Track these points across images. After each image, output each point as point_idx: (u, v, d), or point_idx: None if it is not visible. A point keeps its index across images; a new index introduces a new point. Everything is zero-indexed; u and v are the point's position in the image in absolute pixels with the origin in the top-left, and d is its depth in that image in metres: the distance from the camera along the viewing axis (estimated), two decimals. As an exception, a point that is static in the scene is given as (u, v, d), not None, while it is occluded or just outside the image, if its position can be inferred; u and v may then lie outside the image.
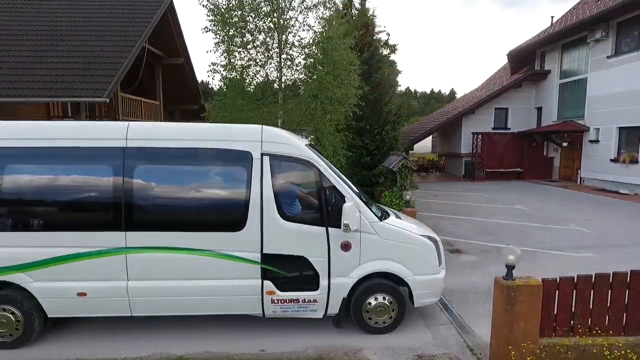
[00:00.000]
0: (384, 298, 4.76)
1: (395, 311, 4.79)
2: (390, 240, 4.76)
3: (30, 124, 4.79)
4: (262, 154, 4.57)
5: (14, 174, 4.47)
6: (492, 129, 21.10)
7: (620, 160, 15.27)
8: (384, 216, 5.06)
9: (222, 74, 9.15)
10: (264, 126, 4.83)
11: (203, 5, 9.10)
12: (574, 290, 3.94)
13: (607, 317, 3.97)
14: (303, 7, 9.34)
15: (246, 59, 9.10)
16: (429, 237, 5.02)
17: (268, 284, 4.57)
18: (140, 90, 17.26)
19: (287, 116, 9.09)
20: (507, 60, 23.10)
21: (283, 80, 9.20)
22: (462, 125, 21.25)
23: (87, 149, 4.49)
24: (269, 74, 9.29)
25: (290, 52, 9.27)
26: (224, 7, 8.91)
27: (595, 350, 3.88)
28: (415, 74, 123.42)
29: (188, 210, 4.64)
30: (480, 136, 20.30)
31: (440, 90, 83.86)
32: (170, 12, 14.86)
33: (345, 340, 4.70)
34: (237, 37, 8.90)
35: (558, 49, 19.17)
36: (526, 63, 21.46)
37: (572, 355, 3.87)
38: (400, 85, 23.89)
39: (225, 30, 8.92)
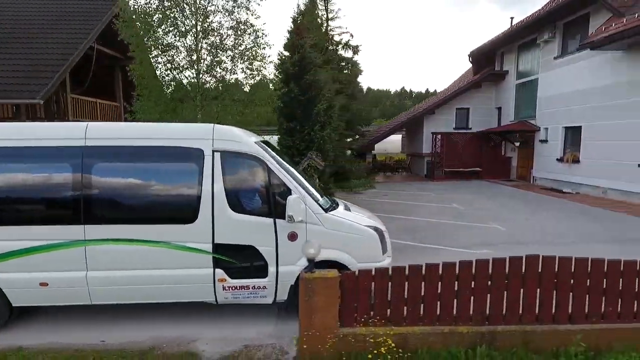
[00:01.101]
0: None
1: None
2: (335, 230, 5.08)
3: None
4: (213, 151, 4.91)
5: None
6: (454, 128, 21.33)
7: (565, 159, 15.50)
8: (332, 208, 5.37)
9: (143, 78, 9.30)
10: (215, 125, 5.17)
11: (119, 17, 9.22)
12: (372, 282, 4.18)
13: (405, 308, 4.21)
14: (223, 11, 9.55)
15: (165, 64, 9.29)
16: (374, 228, 5.34)
17: (220, 272, 4.90)
18: (102, 91, 17.51)
19: (204, 117, 9.31)
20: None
21: (201, 84, 9.42)
22: (423, 125, 21.48)
23: (48, 148, 4.81)
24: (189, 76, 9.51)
25: (209, 57, 9.50)
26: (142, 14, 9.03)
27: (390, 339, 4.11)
28: (412, 74, 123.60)
29: (143, 205, 4.95)
30: (439, 136, 20.53)
31: (435, 90, 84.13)
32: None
33: (185, 331, 4.91)
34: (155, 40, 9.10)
35: (515, 50, 19.41)
36: (488, 64, 21.69)
37: (368, 345, 4.10)
38: (361, 85, 23.88)
39: (146, 33, 9.10)
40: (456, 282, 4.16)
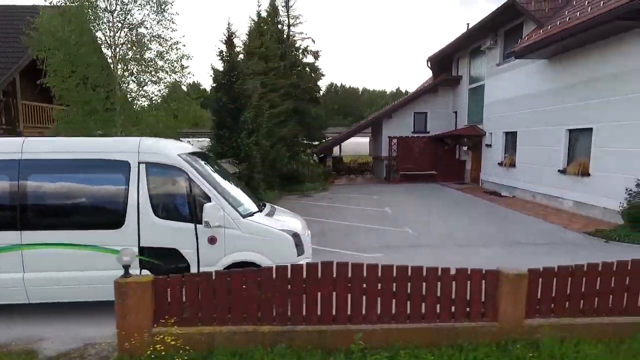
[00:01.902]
0: None
1: None
2: (251, 234, 5.60)
3: None
4: (139, 163, 5.48)
5: None
6: (412, 132, 21.77)
7: (504, 164, 15.95)
8: (252, 213, 5.89)
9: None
10: (142, 138, 5.72)
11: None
12: (183, 286, 4.61)
13: (214, 309, 4.64)
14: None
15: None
16: (291, 232, 5.84)
17: (146, 273, 5.32)
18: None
19: (124, 125, 9.72)
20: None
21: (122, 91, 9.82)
22: (382, 128, 21.91)
23: None
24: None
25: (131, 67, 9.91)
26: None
27: (200, 338, 4.55)
28: (409, 75, 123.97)
29: (75, 212, 5.53)
30: (395, 140, 20.97)
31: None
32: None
33: (34, 331, 5.34)
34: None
35: (467, 55, 19.85)
36: (446, 68, 22.13)
37: (179, 342, 4.53)
38: (321, 91, 24.32)
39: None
40: (259, 286, 4.59)
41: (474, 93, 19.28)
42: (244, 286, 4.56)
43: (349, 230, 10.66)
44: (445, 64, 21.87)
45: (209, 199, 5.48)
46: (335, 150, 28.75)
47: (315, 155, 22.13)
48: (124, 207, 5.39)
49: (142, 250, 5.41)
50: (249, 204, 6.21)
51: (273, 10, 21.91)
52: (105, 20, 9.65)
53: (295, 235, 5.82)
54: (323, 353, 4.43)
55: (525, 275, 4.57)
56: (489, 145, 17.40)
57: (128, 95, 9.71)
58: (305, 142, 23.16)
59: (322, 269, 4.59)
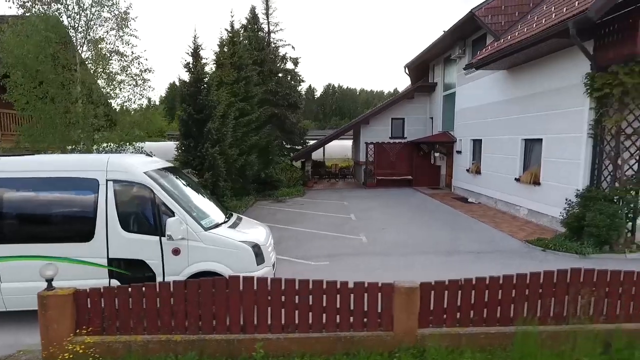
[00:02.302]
0: None
1: None
2: (213, 246, 6.02)
3: None
4: (107, 180, 5.92)
5: None
6: (390, 137, 22.14)
7: (471, 170, 16.35)
8: (216, 225, 6.34)
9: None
10: (110, 157, 6.16)
11: None
12: (102, 298, 5.00)
13: (130, 319, 5.03)
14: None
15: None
16: (250, 243, 6.23)
17: (114, 282, 5.82)
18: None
19: (85, 139, 10.10)
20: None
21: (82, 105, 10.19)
22: (360, 134, 22.30)
23: None
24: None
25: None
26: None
27: (117, 346, 4.94)
28: (406, 76, 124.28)
29: (48, 227, 6.02)
30: (371, 145, 21.36)
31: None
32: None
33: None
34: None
35: (442, 62, 20.24)
36: (423, 75, 22.52)
37: (97, 350, 4.91)
38: (303, 98, 24.69)
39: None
40: (171, 298, 4.98)
41: (447, 100, 19.67)
42: (157, 298, 4.97)
43: (307, 237, 11.03)
44: (421, 70, 22.26)
45: (173, 214, 5.90)
46: (320, 154, 29.11)
47: (295, 160, 22.44)
48: (93, 222, 5.83)
49: (111, 261, 5.88)
50: (215, 216, 6.70)
51: (253, 18, 22.34)
52: (68, 36, 10.03)
53: (255, 246, 6.23)
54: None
55: (417, 289, 4.96)
56: (459, 152, 17.80)
57: (89, 111, 10.02)
58: (288, 146, 23.59)
59: (229, 282, 4.98)
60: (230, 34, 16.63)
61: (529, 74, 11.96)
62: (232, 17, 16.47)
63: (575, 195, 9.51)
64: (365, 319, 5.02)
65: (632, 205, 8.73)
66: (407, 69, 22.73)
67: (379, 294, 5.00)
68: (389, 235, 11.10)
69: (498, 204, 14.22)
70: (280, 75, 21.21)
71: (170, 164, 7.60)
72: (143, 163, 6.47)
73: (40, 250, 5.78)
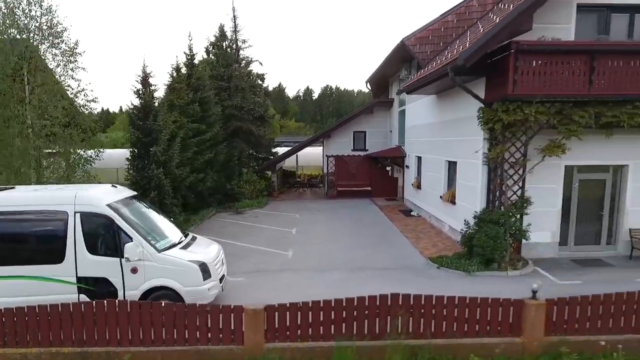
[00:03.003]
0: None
1: None
2: (165, 265, 7.30)
3: None
4: (75, 212, 7.16)
5: None
6: (352, 150, 23.18)
7: (414, 185, 17.39)
8: (171, 247, 7.63)
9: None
10: (77, 192, 7.41)
11: None
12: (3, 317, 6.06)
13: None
14: None
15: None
16: (197, 262, 7.47)
17: (83, 297, 7.05)
18: None
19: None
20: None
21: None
22: (324, 147, 23.35)
23: None
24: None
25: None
26: None
27: (15, 357, 6.00)
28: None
29: (25, 252, 7.30)
30: (332, 158, 22.43)
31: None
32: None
33: None
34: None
35: (397, 79, 21.26)
36: (384, 89, 23.55)
37: (-2, 360, 5.98)
38: (273, 116, 25.80)
39: None
40: (60, 317, 6.04)
41: (401, 116, 20.70)
42: (49, 317, 6.04)
43: (239, 252, 12.07)
44: (383, 86, 23.30)
45: (131, 239, 7.14)
46: (294, 162, 30.13)
47: (260, 172, 23.43)
48: (64, 247, 7.09)
49: (80, 279, 7.13)
50: (171, 237, 8.05)
51: (221, 35, 23.42)
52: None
53: (202, 265, 7.51)
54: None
55: (262, 310, 6.01)
56: (407, 167, 18.85)
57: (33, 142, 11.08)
58: (262, 155, 24.60)
59: (107, 305, 6.04)
60: (188, 57, 17.68)
61: (449, 101, 13.00)
62: (190, 40, 17.45)
63: (473, 216, 10.54)
64: (220, 335, 6.08)
65: (513, 228, 9.75)
66: (368, 83, 23.77)
67: (232, 314, 6.06)
68: (316, 251, 12.14)
69: (432, 219, 15.26)
70: (246, 90, 22.20)
71: (133, 192, 8.90)
72: (107, 194, 7.80)
73: (18, 271, 7.03)
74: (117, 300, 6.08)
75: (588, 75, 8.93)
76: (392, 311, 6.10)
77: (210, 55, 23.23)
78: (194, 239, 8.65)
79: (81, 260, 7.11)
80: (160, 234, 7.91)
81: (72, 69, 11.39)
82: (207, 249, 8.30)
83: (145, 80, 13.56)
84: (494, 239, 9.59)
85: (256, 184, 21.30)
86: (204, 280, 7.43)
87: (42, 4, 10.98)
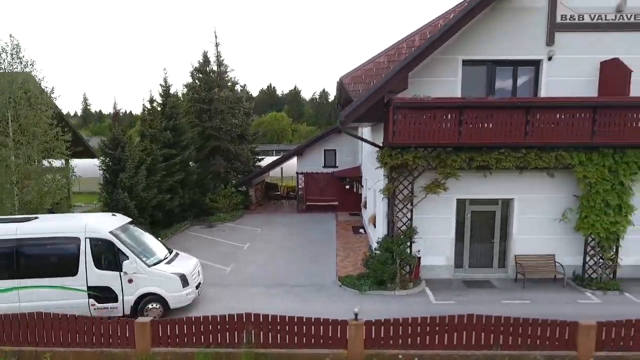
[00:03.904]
0: (155, 304, 9.96)
1: (160, 309, 10.00)
2: (153, 276, 9.91)
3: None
4: (85, 238, 9.75)
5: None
6: (323, 167, 24.97)
7: (363, 203, 19.08)
8: (158, 262, 10.20)
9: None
10: (87, 221, 10.04)
11: None
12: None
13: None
14: None
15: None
16: (178, 274, 10.10)
17: (92, 301, 9.72)
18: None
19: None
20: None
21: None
22: (296, 163, 25.25)
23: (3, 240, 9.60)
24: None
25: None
26: None
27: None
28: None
29: (49, 267, 9.74)
30: (302, 175, 24.31)
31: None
32: None
33: None
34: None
35: (361, 103, 22.92)
36: (354, 110, 25.19)
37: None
38: (255, 134, 27.87)
39: None
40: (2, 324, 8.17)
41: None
42: (-5, 324, 8.18)
43: (187, 267, 14.09)
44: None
45: (127, 257, 9.74)
46: (278, 173, 32.08)
47: (238, 187, 25.42)
48: (77, 263, 9.66)
49: (89, 288, 9.69)
50: (159, 254, 10.61)
51: (205, 61, 25.60)
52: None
53: (182, 276, 10.17)
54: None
55: (147, 323, 7.98)
56: (361, 186, 20.54)
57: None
58: (239, 171, 26.61)
59: (35, 316, 8.14)
60: (164, 88, 19.92)
61: (374, 133, 14.69)
62: (166, 73, 19.71)
63: (376, 242, 12.25)
64: (119, 340, 8.10)
65: (402, 254, 11.41)
66: (339, 105, 25.45)
67: (127, 326, 8.06)
68: (253, 267, 14.05)
69: (370, 238, 16.96)
70: (224, 113, 24.29)
71: (129, 219, 11.42)
72: (109, 223, 10.40)
73: (44, 282, 9.57)
74: (43, 313, 8.19)
75: (457, 127, 10.53)
76: (245, 326, 7.98)
77: (195, 80, 25.40)
78: (176, 255, 11.24)
79: (90, 274, 9.64)
80: (150, 252, 10.46)
81: (46, 115, 13.69)
82: (186, 263, 10.92)
83: (115, 115, 15.80)
84: (383, 263, 11.30)
85: (232, 198, 23.35)
86: (183, 287, 10.08)
87: (21, 60, 13.37)
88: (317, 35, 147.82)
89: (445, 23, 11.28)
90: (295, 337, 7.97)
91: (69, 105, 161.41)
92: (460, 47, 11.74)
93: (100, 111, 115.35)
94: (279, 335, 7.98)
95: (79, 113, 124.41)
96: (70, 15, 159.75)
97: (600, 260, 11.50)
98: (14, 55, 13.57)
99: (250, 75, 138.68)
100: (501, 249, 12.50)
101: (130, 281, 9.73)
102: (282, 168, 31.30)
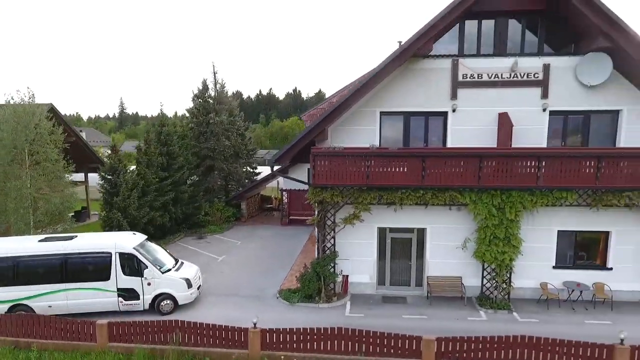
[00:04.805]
0: (168, 301, 13.25)
1: (172, 305, 13.31)
2: (166, 280, 13.22)
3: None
4: (115, 252, 13.02)
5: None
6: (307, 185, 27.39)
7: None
8: (169, 270, 13.49)
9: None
10: (117, 240, 13.39)
11: None
12: (-22, 320, 11.35)
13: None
14: None
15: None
16: (184, 278, 13.44)
17: (120, 299, 13.08)
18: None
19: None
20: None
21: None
22: (282, 181, 27.84)
23: (52, 255, 12.90)
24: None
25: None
26: None
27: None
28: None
29: (89, 274, 12.99)
30: (286, 192, 26.88)
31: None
32: None
33: None
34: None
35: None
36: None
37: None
38: (251, 150, 30.76)
39: None
40: None
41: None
42: None
43: (164, 276, 16.99)
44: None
45: (147, 267, 13.04)
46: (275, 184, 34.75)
47: (230, 202, 28.29)
48: (109, 271, 12.92)
49: (119, 289, 12.95)
50: (169, 264, 13.84)
51: (204, 88, 28.70)
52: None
53: (187, 280, 13.51)
54: None
55: (105, 324, 10.80)
56: (332, 205, 22.84)
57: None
58: (233, 187, 29.44)
59: (26, 316, 11.14)
60: (160, 119, 23.08)
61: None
62: (162, 106, 22.77)
63: (311, 262, 14.67)
64: (85, 337, 10.97)
65: (326, 274, 13.77)
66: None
67: (91, 326, 10.92)
68: (219, 277, 16.72)
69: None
70: (219, 135, 27.25)
71: (145, 237, 14.70)
72: (132, 241, 13.66)
73: (85, 285, 12.88)
74: (31, 315, 11.20)
75: (365, 171, 12.79)
76: (174, 330, 10.65)
77: (195, 105, 28.53)
78: (182, 263, 14.44)
79: (119, 279, 12.91)
80: (162, 262, 13.73)
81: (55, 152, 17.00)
82: (190, 270, 14.14)
83: (114, 147, 18.99)
84: (309, 280, 13.71)
85: (223, 212, 26.27)
86: (187, 289, 13.43)
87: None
88: (342, 37, 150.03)
89: (359, 82, 13.55)
90: (211, 340, 10.59)
91: (106, 108, 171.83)
92: (379, 101, 14.02)
93: (136, 113, 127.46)
94: (199, 337, 10.62)
95: (116, 115, 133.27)
96: (119, 26, 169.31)
97: (496, 283, 13.42)
98: (30, 102, 16.95)
99: (277, 79, 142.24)
100: (418, 270, 14.60)
101: (148, 284, 13.02)
102: (278, 181, 34.00)
